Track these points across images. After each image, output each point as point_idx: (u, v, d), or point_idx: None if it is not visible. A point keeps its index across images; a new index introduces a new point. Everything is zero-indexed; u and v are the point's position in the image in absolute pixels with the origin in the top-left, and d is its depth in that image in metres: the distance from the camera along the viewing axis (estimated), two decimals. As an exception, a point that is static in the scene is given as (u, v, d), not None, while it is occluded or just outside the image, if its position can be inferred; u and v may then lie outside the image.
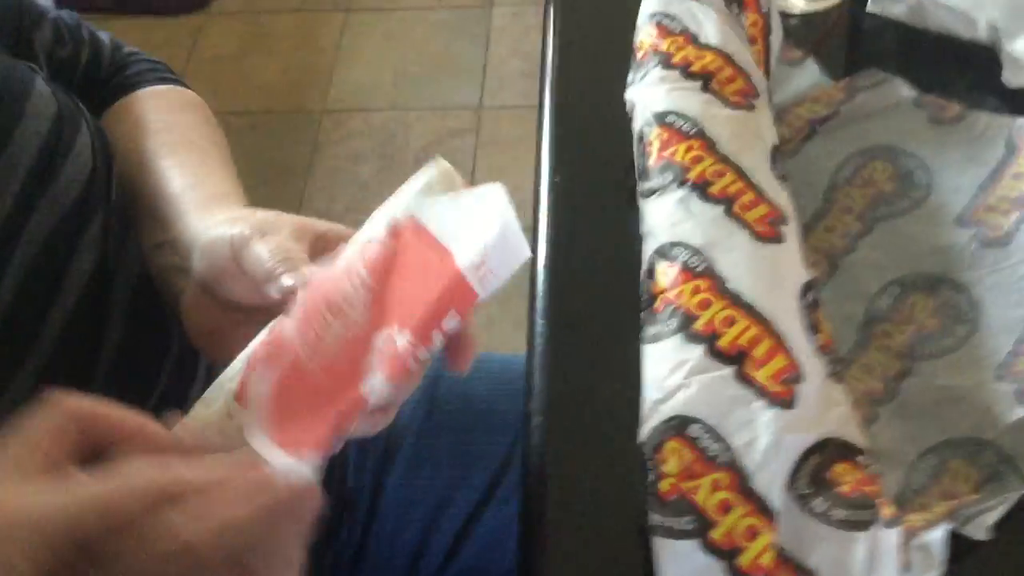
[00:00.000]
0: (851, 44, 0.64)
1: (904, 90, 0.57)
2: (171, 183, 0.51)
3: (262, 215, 0.44)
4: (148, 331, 0.52)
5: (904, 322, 0.50)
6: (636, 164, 0.54)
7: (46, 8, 0.59)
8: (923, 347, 0.49)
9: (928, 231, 0.53)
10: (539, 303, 0.55)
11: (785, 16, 0.62)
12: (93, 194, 0.49)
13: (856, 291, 0.52)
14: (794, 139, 0.57)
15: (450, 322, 0.38)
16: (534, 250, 0.58)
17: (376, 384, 0.36)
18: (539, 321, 0.54)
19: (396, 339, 0.37)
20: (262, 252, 0.41)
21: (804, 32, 0.63)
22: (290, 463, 0.34)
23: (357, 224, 0.43)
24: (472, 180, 1.77)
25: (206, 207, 0.48)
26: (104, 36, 0.63)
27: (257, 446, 0.36)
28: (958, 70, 0.60)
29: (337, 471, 0.68)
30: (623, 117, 0.60)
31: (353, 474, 0.70)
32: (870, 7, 0.64)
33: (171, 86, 0.62)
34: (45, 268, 0.46)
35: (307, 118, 1.90)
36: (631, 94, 0.57)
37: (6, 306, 0.44)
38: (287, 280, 0.39)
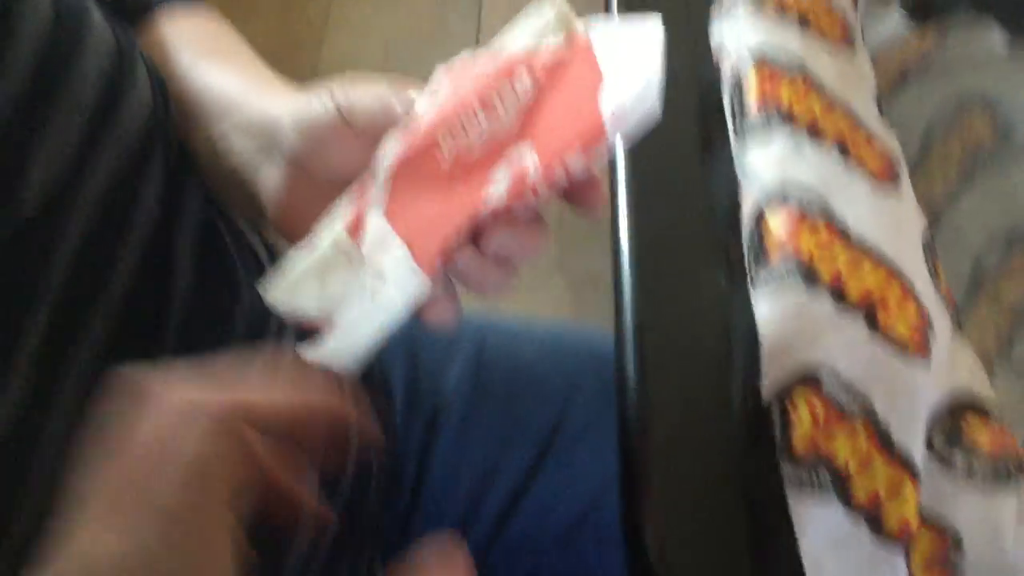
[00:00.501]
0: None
1: (996, 33, 0.55)
2: (229, 78, 0.48)
3: (340, 80, 0.42)
4: (216, 280, 0.48)
5: (1013, 277, 0.48)
6: (729, 104, 0.51)
7: None
8: (1039, 301, 0.47)
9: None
10: (623, 244, 0.53)
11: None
12: (155, 130, 0.45)
13: (961, 246, 0.49)
14: (886, 86, 0.55)
15: (576, 161, 0.35)
16: (616, 194, 0.55)
17: (495, 194, 0.35)
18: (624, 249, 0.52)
19: (526, 158, 0.35)
20: (370, 89, 0.40)
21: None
22: (406, 270, 0.35)
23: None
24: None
25: (284, 94, 0.45)
26: None
27: (377, 233, 0.36)
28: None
29: (387, 437, 0.64)
30: (691, 69, 0.57)
31: (401, 441, 0.67)
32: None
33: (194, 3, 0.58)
34: (112, 206, 0.42)
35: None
36: (718, 31, 0.53)
37: (76, 244, 0.40)
38: (412, 93, 0.39)
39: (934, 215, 0.51)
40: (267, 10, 1.96)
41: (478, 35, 1.91)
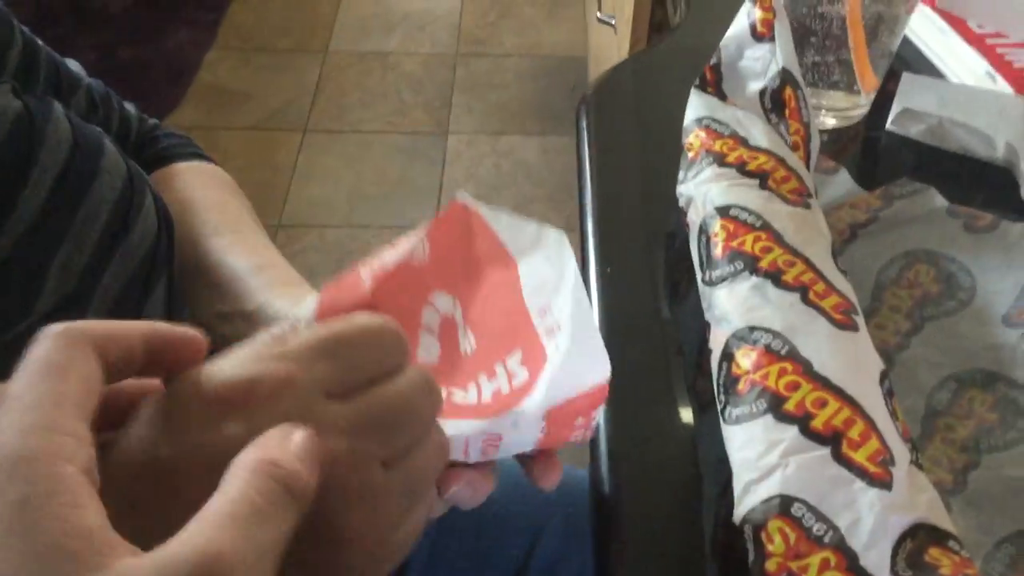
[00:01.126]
0: (877, 158, 0.68)
1: (937, 199, 0.61)
2: (239, 260, 0.51)
3: None
4: None
5: (965, 416, 0.51)
6: (697, 254, 0.55)
7: (80, 75, 0.58)
8: (987, 440, 0.50)
9: (977, 330, 0.55)
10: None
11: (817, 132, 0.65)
12: (159, 253, 0.48)
13: (914, 386, 0.53)
14: (837, 240, 0.59)
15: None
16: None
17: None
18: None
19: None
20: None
21: (835, 146, 0.67)
22: None
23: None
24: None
25: (283, 287, 0.49)
26: (130, 107, 0.62)
27: None
28: (977, 186, 0.64)
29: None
30: (663, 212, 0.62)
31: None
32: (889, 126, 0.68)
33: (206, 162, 0.62)
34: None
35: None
36: (686, 189, 0.58)
37: None
38: None
39: (888, 357, 0.54)
40: (237, 152, 2.03)
41: (440, 188, 1.99)
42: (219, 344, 0.49)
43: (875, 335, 0.56)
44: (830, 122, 0.68)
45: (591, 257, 0.62)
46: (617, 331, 0.57)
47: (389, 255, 0.37)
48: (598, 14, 1.37)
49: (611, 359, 0.58)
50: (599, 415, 0.39)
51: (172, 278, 0.50)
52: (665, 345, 0.57)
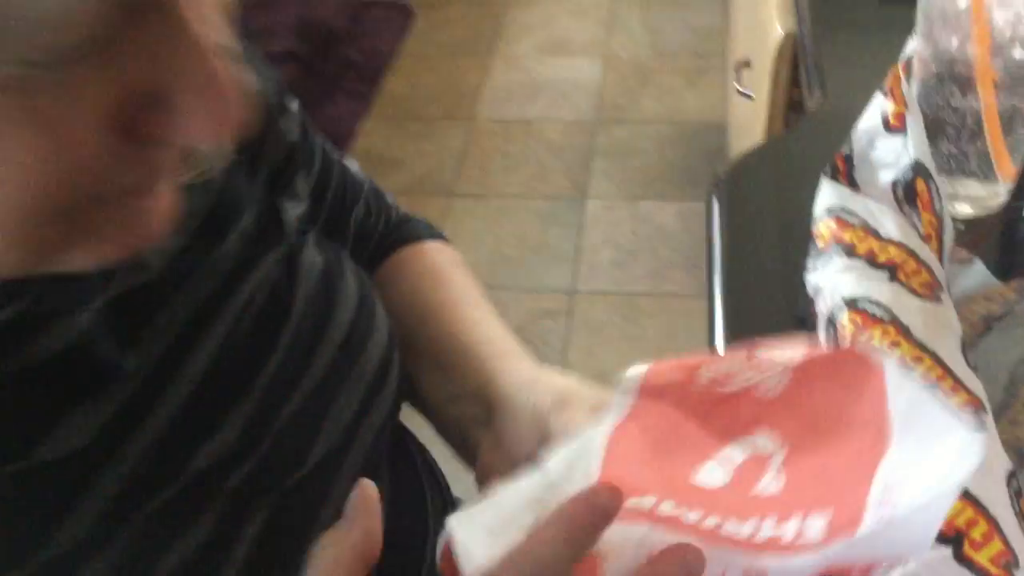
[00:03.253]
0: (1014, 248, 0.67)
1: (1079, 294, 0.60)
2: (464, 335, 0.54)
3: (562, 383, 0.46)
4: (406, 488, 0.54)
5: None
6: (823, 344, 0.56)
7: (362, 180, 0.62)
8: None
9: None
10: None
11: (952, 221, 0.65)
12: (389, 365, 0.50)
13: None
14: (970, 333, 0.59)
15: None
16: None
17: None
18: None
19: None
20: (556, 427, 0.43)
21: (970, 235, 0.67)
22: None
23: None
24: (563, 361, 1.81)
25: (508, 363, 0.50)
26: (390, 196, 0.66)
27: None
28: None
29: None
30: (793, 296, 0.63)
31: None
32: (1030, 216, 0.67)
33: (445, 243, 0.66)
34: (366, 472, 0.47)
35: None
36: (814, 279, 0.60)
37: (337, 511, 0.44)
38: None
39: (1020, 455, 0.54)
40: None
41: (578, 253, 2.03)
42: (450, 428, 0.53)
43: (1008, 431, 0.55)
44: (966, 211, 0.68)
45: (719, 335, 0.64)
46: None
47: (738, 368, 0.36)
48: (737, 87, 1.39)
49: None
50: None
51: (396, 393, 0.52)
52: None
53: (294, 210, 0.48)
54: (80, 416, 0.35)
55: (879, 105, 0.65)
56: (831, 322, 0.56)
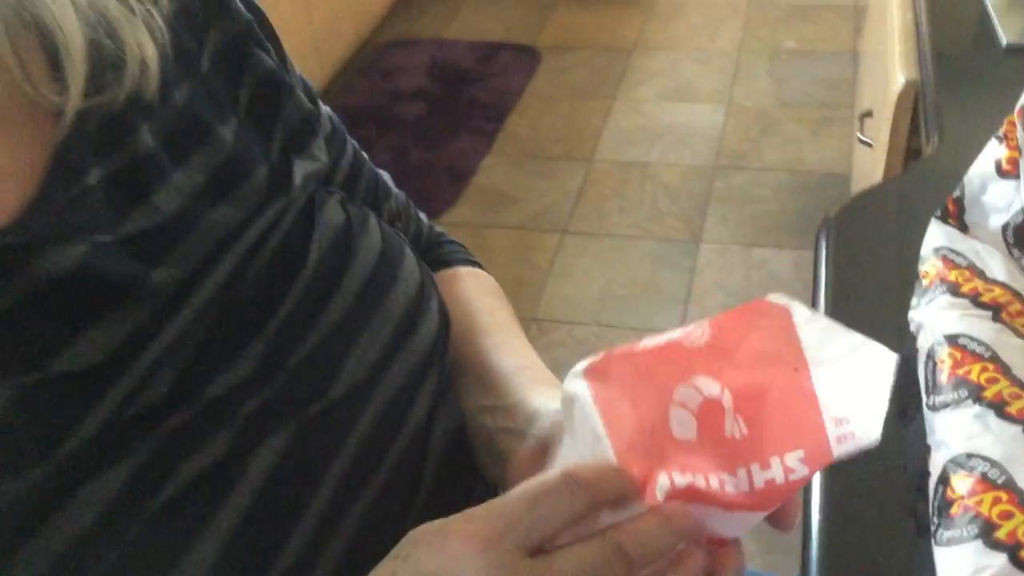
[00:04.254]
0: None
1: None
2: (504, 359, 0.57)
3: None
4: (457, 482, 0.57)
5: None
6: (923, 378, 0.57)
7: (391, 187, 0.69)
8: None
9: None
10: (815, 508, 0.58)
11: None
12: (436, 350, 0.55)
13: None
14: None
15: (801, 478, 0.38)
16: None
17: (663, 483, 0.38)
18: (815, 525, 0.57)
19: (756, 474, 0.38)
20: None
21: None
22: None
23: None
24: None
25: (545, 387, 0.54)
26: (423, 216, 0.72)
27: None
28: None
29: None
30: (897, 335, 0.64)
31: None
32: None
33: (479, 269, 0.71)
34: (393, 412, 0.51)
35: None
36: (917, 315, 0.61)
37: (361, 442, 0.49)
38: None
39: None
40: (501, 249, 2.19)
41: (688, 296, 2.04)
42: (480, 431, 0.57)
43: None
44: (1081, 260, 0.67)
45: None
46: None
47: (667, 334, 0.40)
48: (859, 135, 1.39)
49: (835, 475, 0.60)
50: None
51: (443, 371, 0.57)
52: (890, 466, 0.59)
53: (307, 167, 0.52)
54: (99, 331, 0.40)
55: (993, 150, 0.66)
56: (930, 357, 0.57)
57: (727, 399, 0.39)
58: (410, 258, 0.56)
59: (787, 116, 2.52)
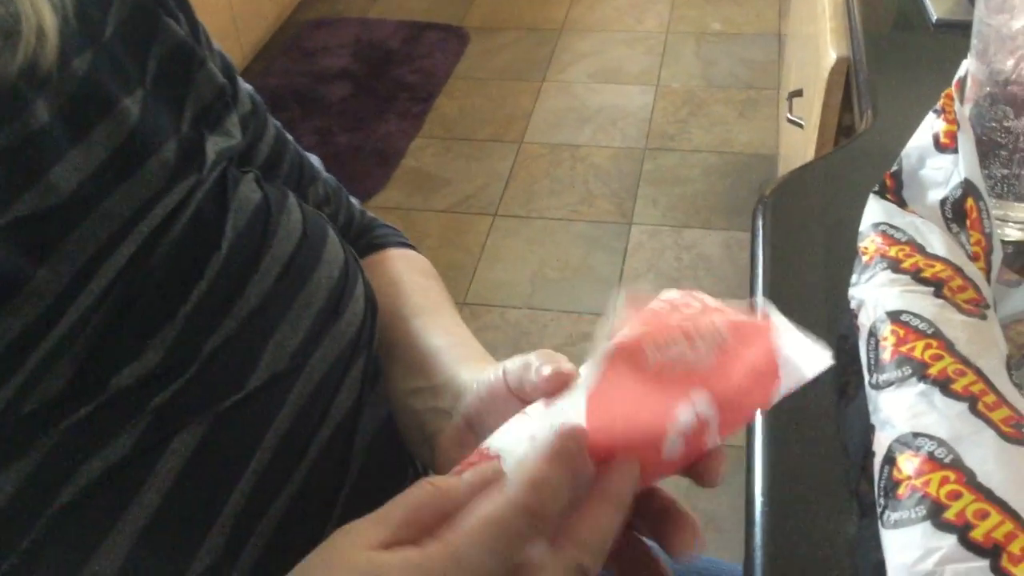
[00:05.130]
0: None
1: None
2: (433, 339, 0.55)
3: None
4: (385, 472, 0.55)
5: None
6: (865, 357, 0.56)
7: (319, 170, 0.66)
8: None
9: None
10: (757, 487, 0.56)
11: (1001, 243, 0.65)
12: (362, 336, 0.53)
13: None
14: (1016, 354, 0.59)
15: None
16: (752, 436, 0.60)
17: (672, 446, 0.37)
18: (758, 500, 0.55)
19: (707, 412, 0.37)
20: (529, 358, 0.43)
21: (1020, 258, 0.66)
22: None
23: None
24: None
25: (474, 362, 0.52)
26: (355, 201, 0.70)
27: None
28: None
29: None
30: (835, 313, 0.63)
31: None
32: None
33: (411, 251, 0.68)
34: (316, 403, 0.48)
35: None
36: (858, 292, 0.59)
37: (280, 436, 0.46)
38: (545, 369, 0.41)
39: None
40: (431, 232, 2.16)
41: (621, 278, 2.03)
42: (407, 416, 0.54)
43: (1053, 453, 0.54)
44: (1016, 234, 0.67)
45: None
46: (783, 429, 0.59)
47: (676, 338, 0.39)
48: (788, 115, 1.38)
49: (776, 458, 0.59)
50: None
51: (370, 358, 0.55)
52: (831, 447, 0.58)
53: (220, 144, 0.49)
54: None
55: (930, 124, 0.65)
56: (872, 334, 0.56)
57: (713, 417, 0.38)
58: (333, 240, 0.53)
59: (714, 98, 2.53)
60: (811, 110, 1.18)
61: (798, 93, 1.41)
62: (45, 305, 0.39)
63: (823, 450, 0.58)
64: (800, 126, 1.33)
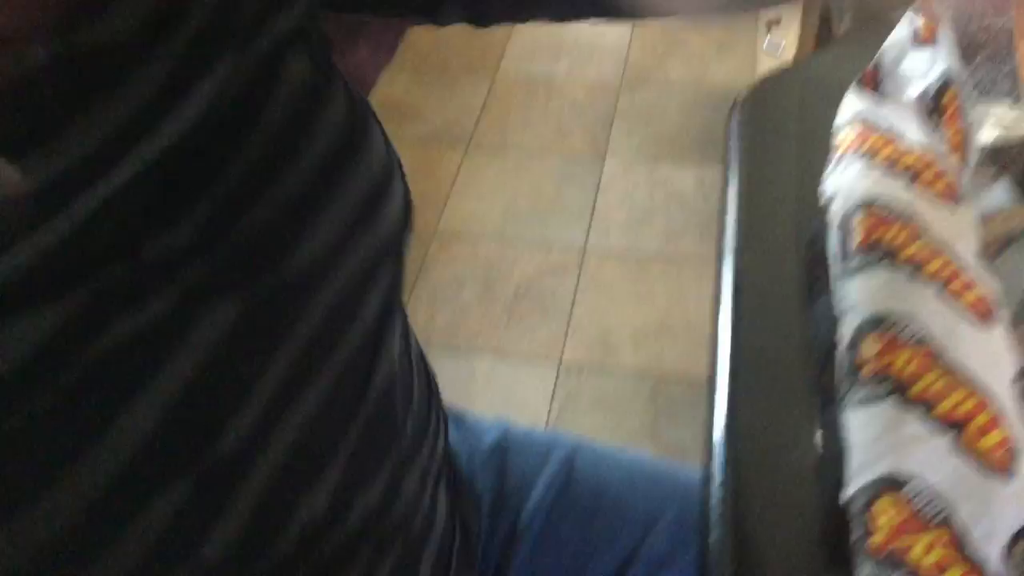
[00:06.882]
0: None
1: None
2: None
3: None
4: (401, 385, 0.53)
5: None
6: (837, 245, 0.55)
7: None
8: None
9: None
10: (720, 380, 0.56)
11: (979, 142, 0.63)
12: (393, 244, 0.50)
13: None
14: (989, 248, 0.58)
15: None
16: (718, 324, 0.59)
17: None
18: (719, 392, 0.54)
19: None
20: None
21: (998, 156, 0.65)
22: None
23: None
24: (569, 318, 1.79)
25: None
26: None
27: None
28: None
29: (469, 541, 0.66)
30: (808, 218, 0.62)
31: (483, 546, 0.68)
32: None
33: None
34: (347, 301, 0.46)
35: (416, 239, 1.95)
36: (832, 182, 0.58)
37: (313, 327, 0.44)
38: None
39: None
40: (403, 162, 2.12)
41: (593, 211, 2.01)
42: None
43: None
44: (994, 133, 0.66)
45: (728, 258, 0.62)
46: (750, 329, 0.57)
47: None
48: (766, 42, 1.36)
49: (743, 355, 0.58)
50: None
51: (399, 268, 0.51)
52: (797, 344, 0.57)
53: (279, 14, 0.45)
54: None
55: (910, 20, 0.63)
56: (844, 224, 0.54)
57: None
58: (376, 138, 0.50)
59: (692, 34, 2.50)
60: (788, 30, 1.16)
61: (776, 21, 1.39)
62: (108, 139, 0.37)
63: (790, 347, 0.57)
64: (776, 57, 1.30)
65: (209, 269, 0.40)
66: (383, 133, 0.52)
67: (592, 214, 2.01)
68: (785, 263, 0.62)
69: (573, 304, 1.84)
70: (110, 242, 0.38)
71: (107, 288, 0.37)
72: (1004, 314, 0.48)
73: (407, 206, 0.53)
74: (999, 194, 0.61)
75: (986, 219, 0.60)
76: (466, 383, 1.72)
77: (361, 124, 0.49)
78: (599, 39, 2.49)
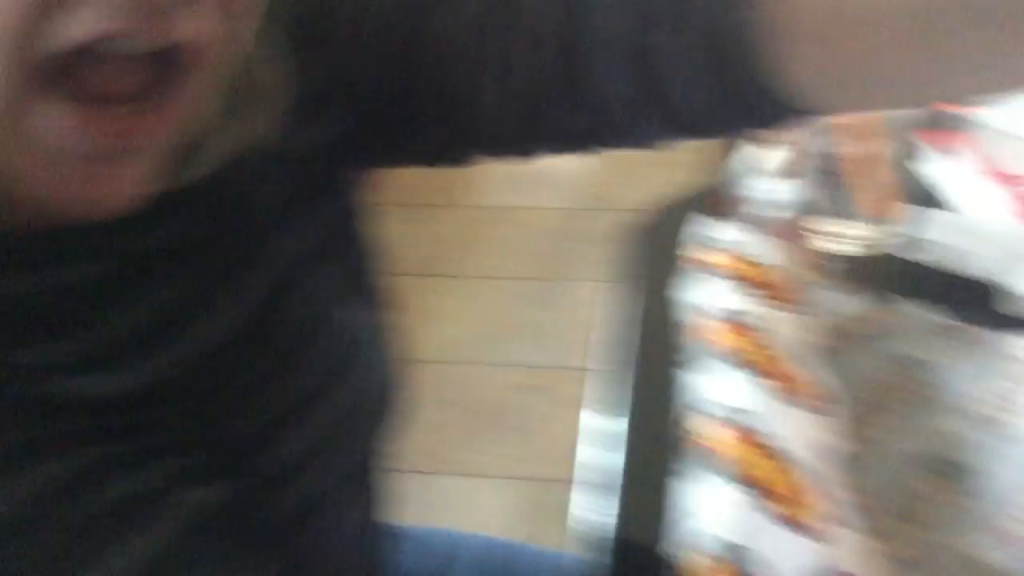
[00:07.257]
0: (885, 280, 0.74)
1: (930, 315, 0.66)
2: None
3: None
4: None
5: (928, 499, 0.56)
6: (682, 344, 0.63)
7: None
8: (945, 520, 0.54)
9: (943, 421, 0.59)
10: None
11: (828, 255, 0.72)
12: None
13: (890, 473, 0.58)
14: (830, 346, 0.66)
15: None
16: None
17: None
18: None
19: None
20: None
21: (844, 268, 0.74)
22: None
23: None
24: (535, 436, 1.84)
25: None
26: None
27: None
28: (972, 303, 0.69)
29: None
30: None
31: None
32: (896, 252, 0.74)
33: None
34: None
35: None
36: (677, 295, 0.67)
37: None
38: None
39: (865, 447, 0.60)
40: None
41: (556, 332, 2.08)
42: None
43: (854, 429, 0.61)
44: (843, 248, 0.75)
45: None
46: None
47: None
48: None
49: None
50: None
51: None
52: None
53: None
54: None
55: (758, 150, 0.73)
56: (692, 328, 0.62)
57: None
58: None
59: (649, 159, 2.62)
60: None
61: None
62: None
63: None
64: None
65: (194, 461, 0.42)
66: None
67: (557, 336, 2.09)
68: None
69: (540, 422, 1.90)
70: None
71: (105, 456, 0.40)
72: (836, 406, 0.56)
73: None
74: (842, 301, 0.70)
75: (830, 322, 0.68)
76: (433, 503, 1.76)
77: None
78: (555, 169, 2.62)
